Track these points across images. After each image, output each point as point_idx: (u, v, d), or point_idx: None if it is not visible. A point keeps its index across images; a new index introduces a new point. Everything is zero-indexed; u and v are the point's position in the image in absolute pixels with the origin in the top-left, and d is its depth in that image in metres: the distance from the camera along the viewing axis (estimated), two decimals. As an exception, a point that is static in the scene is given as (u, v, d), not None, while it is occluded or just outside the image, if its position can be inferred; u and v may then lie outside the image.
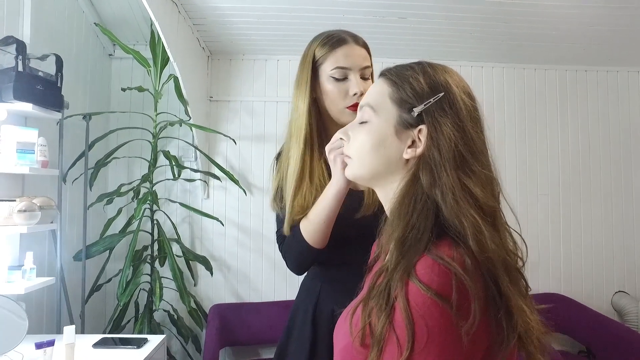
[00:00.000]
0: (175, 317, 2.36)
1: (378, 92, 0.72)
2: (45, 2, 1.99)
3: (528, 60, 2.87)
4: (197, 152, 2.50)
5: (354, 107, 0.97)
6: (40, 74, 1.67)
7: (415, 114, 0.66)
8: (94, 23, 2.19)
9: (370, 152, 0.70)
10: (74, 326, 1.47)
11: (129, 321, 2.30)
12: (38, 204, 1.69)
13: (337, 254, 1.01)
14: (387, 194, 0.71)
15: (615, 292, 2.86)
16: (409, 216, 0.63)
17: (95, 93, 2.49)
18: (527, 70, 2.94)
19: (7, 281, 1.63)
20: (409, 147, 0.66)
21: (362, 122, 0.73)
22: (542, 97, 2.95)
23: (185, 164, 2.55)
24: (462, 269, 0.54)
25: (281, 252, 1.05)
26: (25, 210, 1.60)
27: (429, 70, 0.70)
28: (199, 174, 2.60)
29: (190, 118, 2.37)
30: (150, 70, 2.32)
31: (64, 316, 2.01)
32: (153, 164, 2.35)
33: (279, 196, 1.05)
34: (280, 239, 1.06)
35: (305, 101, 1.01)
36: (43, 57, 1.76)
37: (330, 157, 0.87)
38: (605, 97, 2.98)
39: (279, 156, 1.10)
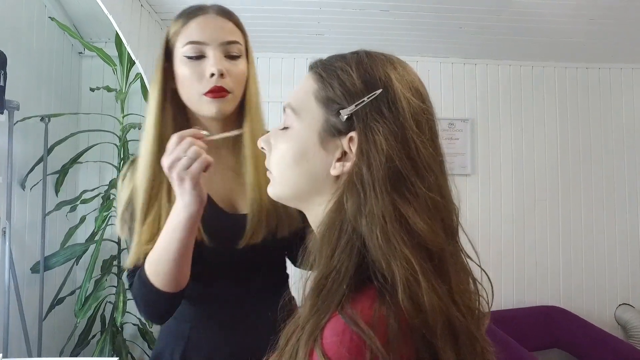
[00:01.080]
0: (145, 331, 2.22)
1: (302, 89, 0.58)
2: (-2, -4, 1.85)
3: (524, 57, 2.70)
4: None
5: (214, 93, 0.76)
6: (-22, 72, 1.53)
7: (344, 118, 0.52)
8: (49, 17, 2.05)
9: (290, 166, 0.57)
10: None
11: (93, 336, 2.16)
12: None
13: (209, 289, 0.82)
14: (316, 217, 0.57)
15: (619, 305, 2.68)
16: (332, 251, 0.50)
17: (62, 93, 2.35)
18: (524, 68, 2.77)
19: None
20: (339, 160, 0.53)
21: (283, 128, 0.59)
22: (539, 96, 2.77)
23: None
24: (383, 342, 0.41)
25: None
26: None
27: (365, 60, 0.55)
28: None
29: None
30: (116, 69, 2.17)
31: (16, 335, 1.87)
32: (120, 168, 2.21)
33: (128, 213, 0.80)
34: (130, 276, 0.80)
35: (156, 93, 0.79)
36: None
37: (171, 174, 0.67)
38: (607, 96, 2.79)
39: (134, 161, 0.84)
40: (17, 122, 1.85)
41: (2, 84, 1.60)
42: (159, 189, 0.77)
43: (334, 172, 0.53)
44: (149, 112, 0.80)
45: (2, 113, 1.60)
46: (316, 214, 0.57)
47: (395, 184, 0.48)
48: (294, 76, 2.60)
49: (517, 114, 2.75)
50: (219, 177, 0.83)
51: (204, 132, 0.70)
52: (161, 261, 0.71)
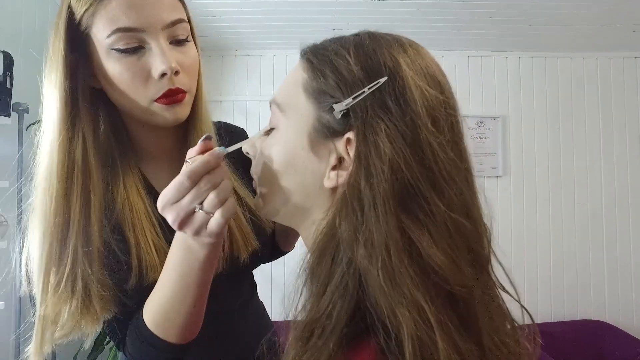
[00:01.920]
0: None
1: (290, 81, 0.48)
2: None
3: (562, 48, 2.48)
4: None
5: (169, 99, 0.58)
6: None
7: (339, 114, 0.41)
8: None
9: (276, 175, 0.47)
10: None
11: (108, 342, 2.11)
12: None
13: None
14: (309, 242, 0.47)
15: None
16: (323, 289, 0.40)
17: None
18: (562, 60, 2.55)
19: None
20: (334, 168, 0.43)
21: (269, 129, 0.49)
22: (579, 91, 2.54)
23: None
24: None
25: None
26: (-35, 229, 1.42)
27: (366, 42, 0.44)
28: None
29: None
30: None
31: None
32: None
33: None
34: (114, 333, 0.63)
35: (60, 100, 0.56)
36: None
37: (169, 216, 0.46)
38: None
39: None
40: (29, 125, 1.81)
41: (8, 86, 1.56)
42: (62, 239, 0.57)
43: (328, 183, 0.43)
44: (48, 129, 0.58)
45: (8, 116, 1.56)
46: (308, 235, 0.46)
47: (404, 202, 0.38)
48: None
49: (554, 110, 2.54)
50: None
51: (219, 149, 0.46)
52: (173, 312, 0.55)
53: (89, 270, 0.58)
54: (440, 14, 2.05)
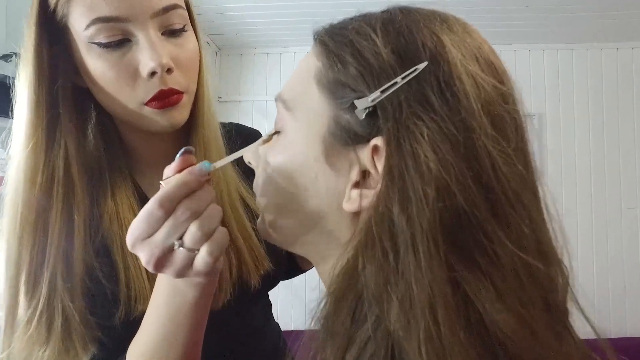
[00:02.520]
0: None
1: (300, 72, 0.39)
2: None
3: (606, 38, 2.28)
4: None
5: (162, 101, 0.49)
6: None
7: (363, 113, 0.31)
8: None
9: (283, 192, 0.37)
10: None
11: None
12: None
13: None
14: (325, 278, 0.37)
15: None
16: (340, 353, 0.30)
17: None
18: (606, 52, 2.36)
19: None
20: (356, 185, 0.33)
21: (274, 133, 0.39)
22: (626, 85, 2.35)
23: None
24: None
25: None
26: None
27: (398, 18, 0.34)
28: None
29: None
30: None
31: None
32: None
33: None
34: None
35: (30, 103, 0.48)
36: (5, 58, 1.54)
37: (141, 255, 0.36)
38: None
39: None
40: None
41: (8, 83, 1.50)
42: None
43: (348, 206, 0.33)
44: (17, 136, 0.49)
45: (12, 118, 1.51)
46: (324, 271, 0.36)
47: (456, 239, 0.28)
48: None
49: (597, 106, 2.35)
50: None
51: (202, 165, 0.36)
52: (161, 358, 0.45)
53: (70, 305, 0.48)
54: (471, 4, 1.90)
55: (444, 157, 0.28)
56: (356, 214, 0.33)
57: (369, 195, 0.31)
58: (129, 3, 0.46)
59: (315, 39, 0.38)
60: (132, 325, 0.48)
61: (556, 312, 0.29)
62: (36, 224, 0.48)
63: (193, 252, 0.34)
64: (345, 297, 0.30)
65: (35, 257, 0.48)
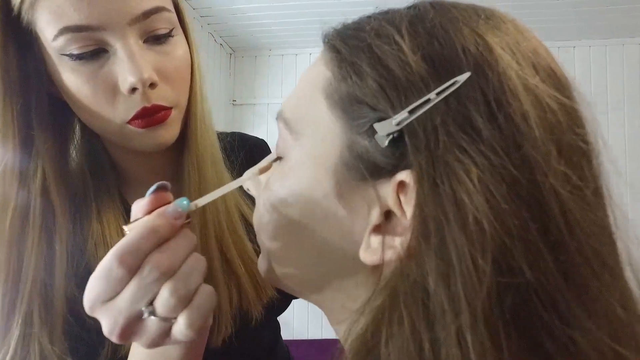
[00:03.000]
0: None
1: (305, 84, 0.31)
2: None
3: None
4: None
5: (145, 120, 0.43)
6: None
7: (386, 139, 0.24)
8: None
9: (285, 232, 0.30)
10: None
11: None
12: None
13: None
14: (340, 334, 0.30)
15: None
16: None
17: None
18: (642, 46, 2.20)
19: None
20: (376, 229, 0.26)
21: (276, 159, 0.32)
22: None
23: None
24: None
25: None
26: None
27: (431, 17, 0.27)
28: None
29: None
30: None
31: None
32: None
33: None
34: None
35: (2, 122, 0.42)
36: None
37: (102, 322, 0.28)
38: None
39: None
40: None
41: None
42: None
43: (367, 256, 0.26)
44: None
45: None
46: (339, 327, 0.30)
47: (519, 323, 0.21)
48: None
49: (634, 102, 2.20)
50: None
51: (183, 203, 0.29)
52: None
53: (49, 347, 0.42)
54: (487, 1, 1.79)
55: (500, 208, 0.20)
56: (377, 267, 0.26)
57: (394, 244, 0.24)
58: (103, 9, 0.39)
59: (324, 43, 0.30)
60: None
61: None
62: (8, 257, 0.42)
63: (168, 321, 0.27)
64: None
65: (8, 294, 0.42)
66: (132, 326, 0.27)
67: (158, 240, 0.26)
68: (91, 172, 0.50)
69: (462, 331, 0.19)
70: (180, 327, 0.26)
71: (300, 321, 2.34)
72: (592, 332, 0.20)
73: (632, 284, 0.23)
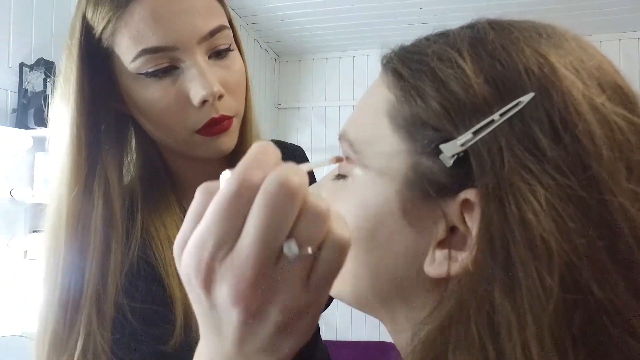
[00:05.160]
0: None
1: (368, 106, 0.32)
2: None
3: None
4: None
5: (213, 128, 0.47)
6: (71, 94, 1.53)
7: (451, 160, 0.25)
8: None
9: (352, 250, 0.27)
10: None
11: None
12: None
13: None
14: (403, 345, 0.31)
15: None
16: None
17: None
18: None
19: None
20: (440, 244, 0.27)
21: (337, 176, 0.33)
22: None
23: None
24: None
25: None
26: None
27: (490, 37, 0.27)
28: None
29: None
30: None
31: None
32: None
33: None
34: None
35: (72, 145, 0.46)
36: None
37: (189, 280, 0.22)
38: None
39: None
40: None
41: (47, 92, 1.56)
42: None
43: (431, 270, 0.27)
44: (58, 178, 0.47)
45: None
46: (400, 339, 0.31)
47: (587, 338, 0.21)
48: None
49: None
50: None
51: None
52: None
53: (103, 343, 0.46)
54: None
55: (567, 227, 0.21)
56: (440, 280, 0.27)
57: (459, 258, 0.25)
58: (176, 31, 0.43)
59: (384, 66, 0.31)
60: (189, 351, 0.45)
61: None
62: (72, 261, 0.46)
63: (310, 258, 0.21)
64: None
65: (72, 296, 0.46)
66: (265, 277, 0.20)
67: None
68: (147, 180, 0.53)
69: (527, 344, 0.20)
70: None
71: (344, 322, 2.35)
72: None
73: None
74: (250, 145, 0.57)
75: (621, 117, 0.23)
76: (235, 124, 0.50)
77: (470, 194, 0.24)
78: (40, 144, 1.48)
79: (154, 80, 0.45)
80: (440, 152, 0.25)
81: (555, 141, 0.22)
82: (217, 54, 0.47)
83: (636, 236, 0.21)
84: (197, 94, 0.44)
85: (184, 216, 0.54)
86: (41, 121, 1.41)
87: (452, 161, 0.24)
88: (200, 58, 0.45)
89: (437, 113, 0.25)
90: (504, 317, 0.21)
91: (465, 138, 0.24)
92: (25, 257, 1.47)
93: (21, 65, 1.50)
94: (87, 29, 0.46)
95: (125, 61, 0.45)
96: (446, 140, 0.25)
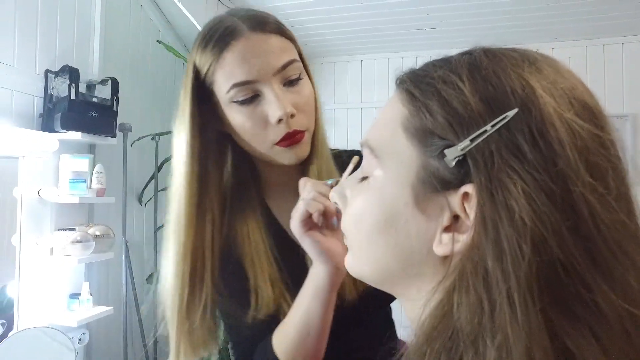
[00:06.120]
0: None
1: (385, 118, 0.39)
2: (117, 27, 1.99)
3: None
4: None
5: (288, 141, 0.61)
6: (94, 100, 1.62)
7: (453, 162, 0.32)
8: (157, 41, 2.14)
9: (371, 235, 0.38)
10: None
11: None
12: (96, 233, 1.64)
13: None
14: (414, 314, 0.37)
15: None
16: None
17: (170, 111, 2.46)
18: None
19: (68, 310, 1.62)
20: (447, 228, 0.34)
21: (362, 178, 0.40)
22: None
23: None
24: None
25: None
26: (79, 241, 1.56)
27: (484, 64, 0.34)
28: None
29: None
30: (218, 85, 2.19)
31: (137, 344, 1.98)
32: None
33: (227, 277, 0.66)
34: (242, 355, 0.69)
35: (188, 156, 0.62)
36: (104, 82, 1.72)
37: (299, 232, 0.53)
38: None
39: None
40: (133, 142, 1.96)
41: (115, 109, 1.68)
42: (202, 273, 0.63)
43: (439, 249, 0.34)
44: (177, 183, 0.63)
45: (114, 136, 1.68)
46: (414, 308, 0.37)
47: (554, 291, 0.28)
48: (401, 77, 2.37)
49: None
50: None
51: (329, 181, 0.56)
52: (301, 338, 0.59)
53: (217, 298, 0.64)
54: (551, 1, 1.77)
55: (539, 209, 0.27)
56: (446, 257, 0.33)
57: (461, 239, 0.31)
58: (256, 68, 0.58)
59: (398, 85, 0.38)
60: (260, 323, 0.62)
61: None
62: (200, 243, 0.63)
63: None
64: (437, 335, 0.31)
65: (198, 270, 0.63)
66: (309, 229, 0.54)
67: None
68: (237, 184, 0.69)
69: (511, 297, 0.27)
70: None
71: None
72: (611, 298, 0.26)
73: None
74: (320, 153, 0.73)
75: (585, 129, 0.30)
76: (307, 137, 0.63)
77: (468, 187, 0.30)
78: (64, 147, 1.56)
79: (243, 106, 0.59)
80: (444, 155, 0.31)
81: (533, 146, 0.29)
82: (290, 82, 0.60)
83: (593, 216, 0.28)
84: (273, 114, 0.58)
85: (267, 212, 0.71)
86: (66, 125, 1.50)
87: (454, 162, 0.31)
88: (276, 87, 0.59)
89: (442, 125, 0.32)
90: (494, 277, 0.28)
91: (464, 144, 0.30)
92: (51, 253, 1.55)
93: (47, 72, 1.59)
94: (195, 72, 0.61)
95: (222, 93, 0.60)
96: (449, 146, 0.31)
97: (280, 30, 0.61)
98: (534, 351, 0.26)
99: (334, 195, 0.43)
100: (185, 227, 0.62)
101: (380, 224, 0.36)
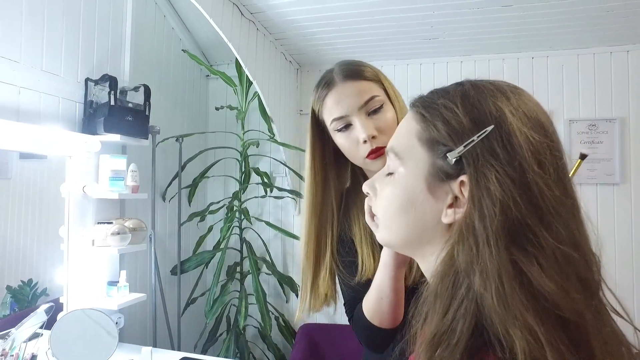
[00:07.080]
0: (265, 334, 2.35)
1: (404, 131, 0.55)
2: (144, 37, 2.15)
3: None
4: (287, 168, 2.47)
5: (373, 155, 0.83)
6: (130, 105, 1.78)
7: (452, 161, 0.47)
8: (182, 50, 2.31)
9: (397, 214, 0.54)
10: (150, 348, 1.51)
11: (220, 334, 2.37)
12: (131, 226, 1.81)
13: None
14: (429, 267, 0.53)
15: None
16: (445, 308, 0.46)
17: (193, 114, 2.63)
18: (698, 51, 2.22)
19: (107, 296, 1.78)
20: (450, 206, 0.48)
21: (388, 174, 0.56)
22: None
23: (277, 180, 2.56)
24: None
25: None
26: (118, 233, 1.72)
27: (471, 94, 0.49)
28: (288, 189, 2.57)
29: (273, 135, 2.34)
30: (236, 89, 2.35)
31: (162, 328, 2.15)
32: (241, 182, 2.38)
33: (344, 251, 0.90)
34: (349, 310, 0.92)
35: (312, 166, 0.89)
36: (136, 89, 1.88)
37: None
38: None
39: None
40: (158, 143, 2.13)
41: (147, 113, 1.85)
42: (325, 246, 0.89)
43: (445, 219, 0.48)
44: (309, 190, 0.90)
45: (147, 138, 1.85)
46: (428, 263, 0.52)
47: (515, 237, 0.42)
48: (408, 83, 2.52)
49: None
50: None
51: None
52: (376, 300, 0.78)
53: (334, 268, 0.91)
54: (547, 15, 1.93)
55: (507, 189, 0.43)
56: (449, 225, 0.49)
57: (459, 212, 0.47)
58: (346, 107, 0.82)
59: (411, 107, 0.54)
60: (363, 286, 0.84)
61: (587, 284, 0.42)
62: (320, 233, 0.91)
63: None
64: (447, 274, 0.46)
65: (317, 250, 0.92)
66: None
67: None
68: (354, 184, 0.94)
69: (489, 241, 0.41)
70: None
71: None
72: (549, 241, 0.41)
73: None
74: None
75: (536, 139, 0.45)
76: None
77: (463, 177, 0.46)
78: (103, 148, 1.72)
79: (342, 133, 0.84)
80: (447, 157, 0.47)
81: (503, 149, 0.44)
82: (373, 112, 0.83)
83: (540, 192, 0.43)
84: (360, 137, 0.82)
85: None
86: (108, 128, 1.66)
87: (454, 161, 0.47)
88: (362, 117, 0.82)
89: (445, 137, 0.48)
90: (479, 231, 0.43)
91: (460, 149, 0.46)
92: (93, 244, 1.72)
93: (87, 80, 1.75)
94: (312, 111, 0.89)
95: (328, 125, 0.85)
96: (450, 150, 0.46)
97: (364, 76, 0.84)
98: (502, 273, 0.41)
99: (365, 187, 0.59)
100: (311, 214, 0.89)
101: (403, 205, 0.52)
